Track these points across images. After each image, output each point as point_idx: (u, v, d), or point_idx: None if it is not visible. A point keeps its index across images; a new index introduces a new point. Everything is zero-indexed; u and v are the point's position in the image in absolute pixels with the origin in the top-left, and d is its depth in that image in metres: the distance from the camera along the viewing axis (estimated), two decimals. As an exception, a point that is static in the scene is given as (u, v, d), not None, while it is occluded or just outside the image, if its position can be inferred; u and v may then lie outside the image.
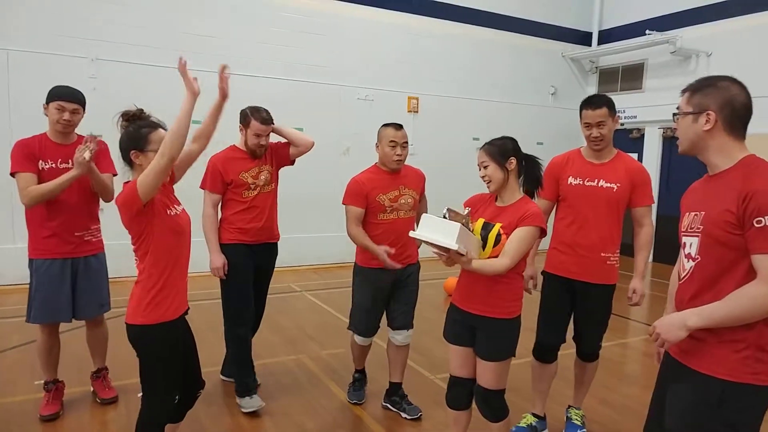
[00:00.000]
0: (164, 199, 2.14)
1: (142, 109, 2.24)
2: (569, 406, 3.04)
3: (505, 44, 8.65)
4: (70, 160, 2.86)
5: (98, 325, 3.18)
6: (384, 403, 3.24)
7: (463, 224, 2.07)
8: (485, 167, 2.29)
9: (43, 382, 3.09)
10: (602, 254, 2.73)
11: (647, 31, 8.02)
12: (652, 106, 8.53)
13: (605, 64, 9.40)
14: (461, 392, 2.40)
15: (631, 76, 8.95)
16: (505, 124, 8.52)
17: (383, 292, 3.04)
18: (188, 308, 2.27)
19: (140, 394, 2.21)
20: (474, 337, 2.33)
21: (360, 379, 3.33)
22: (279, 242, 3.37)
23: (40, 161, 2.85)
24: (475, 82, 8.36)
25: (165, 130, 2.15)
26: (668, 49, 7.95)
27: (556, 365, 2.93)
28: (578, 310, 2.83)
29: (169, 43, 6.32)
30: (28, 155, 2.82)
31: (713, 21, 7.71)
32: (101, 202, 3.08)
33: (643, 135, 8.83)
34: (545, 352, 2.88)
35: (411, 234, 2.17)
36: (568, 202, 2.78)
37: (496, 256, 2.19)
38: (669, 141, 8.47)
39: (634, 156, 9.44)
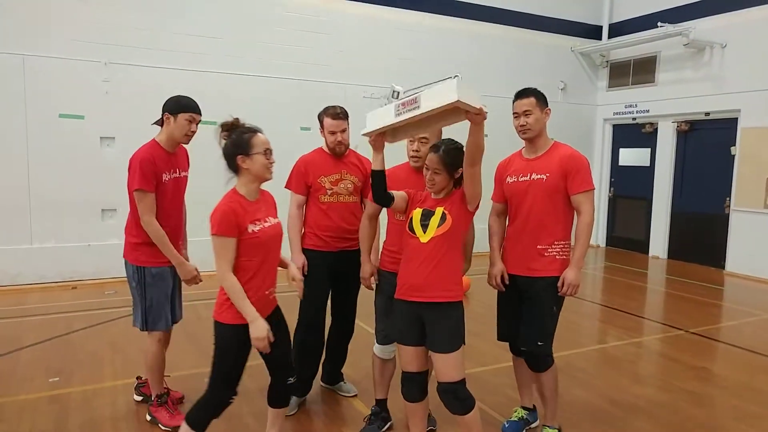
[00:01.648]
0: (247, 220, 2.24)
1: (237, 118, 2.37)
2: (542, 425, 2.86)
3: (514, 40, 8.57)
4: (175, 169, 2.95)
5: (168, 337, 3.13)
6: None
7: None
8: (436, 173, 2.39)
9: (154, 396, 2.99)
10: (538, 246, 2.69)
11: (659, 23, 7.88)
12: (665, 100, 8.40)
13: (616, 58, 9.27)
14: (414, 386, 2.47)
15: (644, 69, 8.81)
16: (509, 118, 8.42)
17: None
18: (273, 310, 2.40)
19: (206, 379, 2.34)
20: (422, 333, 2.39)
21: (377, 413, 2.93)
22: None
23: (164, 174, 2.87)
24: (484, 78, 8.28)
25: (262, 134, 2.32)
26: (681, 42, 7.80)
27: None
28: (522, 304, 2.76)
29: (177, 46, 6.39)
30: (153, 173, 2.81)
31: (728, 12, 7.55)
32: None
33: (656, 129, 8.70)
34: (510, 347, 2.93)
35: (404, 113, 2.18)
36: (510, 201, 2.82)
37: (443, 234, 2.34)
38: (683, 135, 8.34)
39: (647, 151, 9.40)
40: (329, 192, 3.11)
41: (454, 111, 2.14)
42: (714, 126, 7.93)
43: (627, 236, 9.24)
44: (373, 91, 7.41)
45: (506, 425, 2.93)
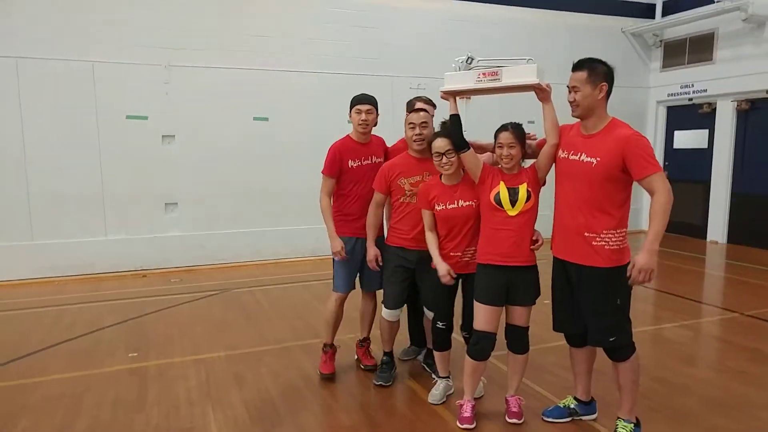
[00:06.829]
0: (442, 199, 2.92)
1: (444, 121, 2.90)
2: (617, 417, 2.68)
3: (562, 25, 8.44)
4: (371, 157, 3.33)
5: (373, 299, 3.54)
6: (422, 363, 3.57)
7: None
8: (512, 148, 2.66)
9: (323, 343, 3.51)
10: (585, 234, 2.50)
11: (716, -1, 7.57)
12: (724, 78, 8.04)
13: (671, 37, 8.93)
14: (488, 344, 2.75)
15: (700, 47, 8.45)
16: (562, 105, 8.26)
17: (405, 271, 3.16)
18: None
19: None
20: (505, 295, 2.71)
21: (387, 362, 3.39)
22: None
23: (349, 161, 3.27)
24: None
25: (440, 139, 2.81)
26: (740, 17, 7.45)
27: (585, 351, 2.78)
28: (575, 294, 2.63)
29: (230, 45, 6.72)
30: (334, 161, 3.26)
31: (790, -18, 7.15)
32: None
33: (714, 109, 8.34)
34: (566, 337, 2.81)
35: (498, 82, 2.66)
36: (557, 176, 2.65)
37: (530, 209, 2.67)
38: (744, 114, 7.96)
39: (704, 132, 8.94)
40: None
41: (521, 86, 2.65)
42: (777, 103, 7.54)
43: (683, 221, 8.92)
44: (420, 81, 7.51)
45: (548, 409, 2.91)
